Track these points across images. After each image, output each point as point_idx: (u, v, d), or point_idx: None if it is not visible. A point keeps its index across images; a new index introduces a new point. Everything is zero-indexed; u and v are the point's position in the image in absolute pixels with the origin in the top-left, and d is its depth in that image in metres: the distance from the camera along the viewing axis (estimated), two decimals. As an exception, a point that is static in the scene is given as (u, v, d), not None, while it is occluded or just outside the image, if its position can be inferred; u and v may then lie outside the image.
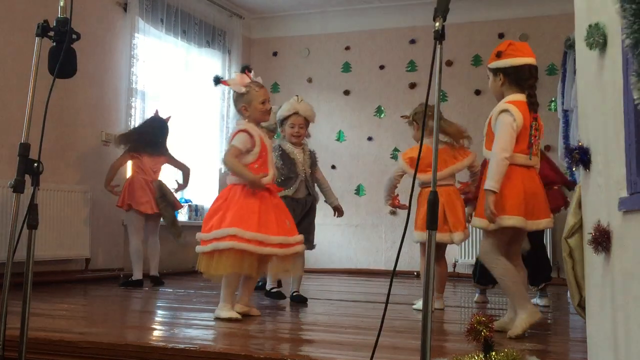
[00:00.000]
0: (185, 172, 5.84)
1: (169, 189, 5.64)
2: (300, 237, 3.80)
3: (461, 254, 7.20)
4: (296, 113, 4.53)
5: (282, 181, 4.44)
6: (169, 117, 5.86)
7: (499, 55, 3.31)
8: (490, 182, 3.13)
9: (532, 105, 3.27)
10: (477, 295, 4.86)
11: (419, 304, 4.22)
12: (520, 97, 3.28)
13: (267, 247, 3.59)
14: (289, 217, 3.81)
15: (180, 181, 5.86)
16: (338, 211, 4.75)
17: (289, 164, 4.49)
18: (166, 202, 5.54)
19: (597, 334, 2.18)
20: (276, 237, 3.62)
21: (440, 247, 4.33)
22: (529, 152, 3.23)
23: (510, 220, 3.17)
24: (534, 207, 3.22)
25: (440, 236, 4.04)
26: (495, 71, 3.32)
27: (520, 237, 3.39)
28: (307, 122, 4.58)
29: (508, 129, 3.17)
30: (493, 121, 3.25)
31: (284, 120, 4.57)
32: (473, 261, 7.13)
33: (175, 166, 5.86)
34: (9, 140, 4.96)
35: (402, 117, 4.69)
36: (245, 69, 3.85)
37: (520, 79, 3.28)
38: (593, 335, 2.25)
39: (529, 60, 3.31)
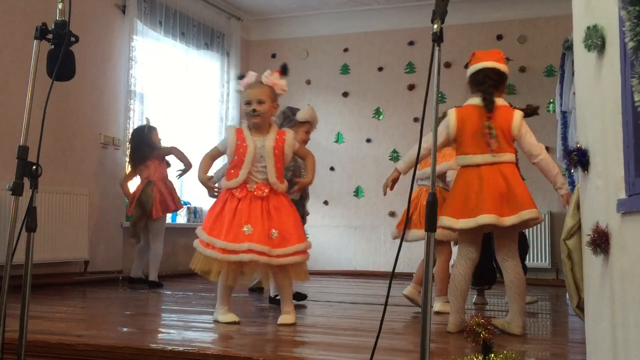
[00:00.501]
0: (175, 153, 5.85)
1: (150, 195, 5.61)
2: (282, 250, 3.53)
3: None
4: (309, 122, 4.54)
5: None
6: (148, 121, 5.92)
7: (466, 67, 3.60)
8: (399, 162, 3.65)
9: (487, 106, 3.42)
10: (475, 296, 4.86)
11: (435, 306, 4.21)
12: (474, 100, 3.48)
13: (210, 249, 3.52)
14: (256, 224, 3.54)
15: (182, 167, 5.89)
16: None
17: (296, 169, 4.39)
18: (139, 202, 5.60)
19: (596, 335, 2.18)
20: (220, 242, 3.51)
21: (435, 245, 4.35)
22: (483, 151, 3.37)
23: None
24: (474, 204, 3.30)
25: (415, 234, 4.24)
26: (468, 80, 3.58)
27: (504, 234, 3.39)
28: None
29: (439, 130, 3.39)
30: None
31: (298, 124, 4.48)
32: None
33: (166, 154, 5.88)
34: (8, 143, 4.96)
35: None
36: (282, 68, 3.76)
37: (477, 83, 3.50)
38: (592, 336, 2.25)
39: (483, 64, 3.48)
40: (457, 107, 3.54)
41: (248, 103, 3.64)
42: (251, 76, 3.71)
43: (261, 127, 3.67)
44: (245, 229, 3.52)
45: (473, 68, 3.50)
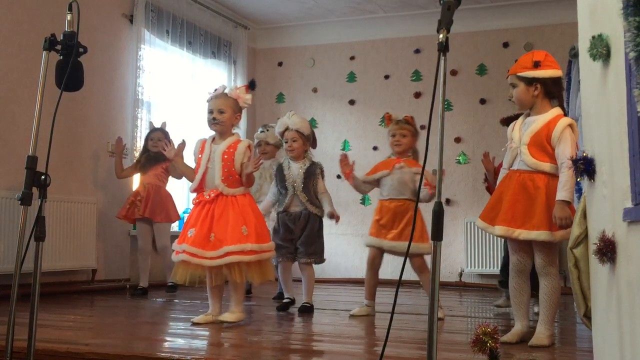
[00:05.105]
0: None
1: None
2: (215, 252, 3.73)
3: (467, 264, 7.19)
4: (287, 128, 4.59)
5: (280, 196, 4.63)
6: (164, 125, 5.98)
7: (537, 65, 3.26)
8: (567, 193, 3.12)
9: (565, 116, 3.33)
10: (502, 299, 4.94)
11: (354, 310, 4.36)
12: (559, 110, 3.30)
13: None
14: (197, 227, 3.79)
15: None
16: (334, 218, 4.61)
17: (281, 179, 4.60)
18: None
19: (604, 344, 2.18)
20: (184, 246, 3.80)
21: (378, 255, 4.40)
22: None
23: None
24: None
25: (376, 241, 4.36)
26: (531, 81, 3.26)
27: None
28: (301, 134, 4.59)
29: (574, 144, 3.19)
30: (557, 134, 3.19)
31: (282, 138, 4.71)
32: (480, 271, 7.13)
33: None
34: (17, 152, 4.99)
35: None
36: (249, 83, 4.07)
37: (555, 90, 3.32)
38: (599, 345, 2.25)
39: (560, 73, 3.33)
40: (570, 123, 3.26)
41: (210, 112, 3.90)
42: (220, 89, 3.97)
43: (222, 135, 3.93)
44: (189, 232, 3.82)
45: (555, 73, 3.28)
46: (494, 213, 3.30)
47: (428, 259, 4.54)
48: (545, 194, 3.19)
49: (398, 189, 4.35)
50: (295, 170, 4.57)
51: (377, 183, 4.52)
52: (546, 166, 3.22)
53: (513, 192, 3.24)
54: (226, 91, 3.92)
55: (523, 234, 3.20)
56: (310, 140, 4.69)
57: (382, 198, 4.44)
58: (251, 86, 4.02)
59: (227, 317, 3.81)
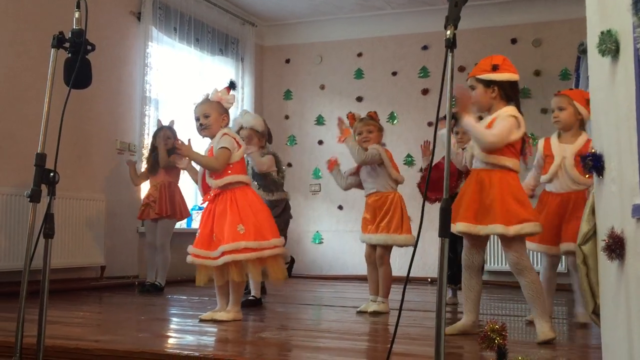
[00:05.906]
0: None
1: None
2: (215, 252, 3.77)
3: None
4: (242, 127, 4.67)
5: None
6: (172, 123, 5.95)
7: (495, 69, 3.36)
8: (469, 124, 3.21)
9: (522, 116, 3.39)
10: (448, 296, 4.98)
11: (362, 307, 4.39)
12: (512, 108, 3.35)
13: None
14: (201, 227, 3.89)
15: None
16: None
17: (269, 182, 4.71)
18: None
19: (612, 341, 2.17)
20: (194, 249, 3.88)
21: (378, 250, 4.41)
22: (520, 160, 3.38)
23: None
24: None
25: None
26: (489, 83, 3.36)
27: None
28: (255, 131, 4.67)
29: (511, 127, 3.24)
30: (498, 119, 3.28)
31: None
32: (485, 267, 7.12)
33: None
34: (26, 150, 5.01)
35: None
36: (229, 84, 4.07)
37: (513, 93, 3.39)
38: (608, 342, 2.25)
39: (517, 77, 3.41)
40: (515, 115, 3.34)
41: (197, 119, 3.95)
42: (204, 95, 4.01)
43: (212, 138, 3.94)
44: (197, 233, 3.90)
45: (513, 76, 3.37)
46: (455, 211, 3.31)
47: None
48: (499, 189, 3.25)
49: (375, 180, 4.45)
50: (250, 163, 4.66)
51: (358, 180, 4.59)
52: (500, 159, 3.28)
53: (472, 190, 3.33)
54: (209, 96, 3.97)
55: (484, 229, 3.26)
56: (265, 136, 4.76)
57: (365, 194, 4.53)
58: (231, 86, 4.03)
59: (222, 315, 3.81)
